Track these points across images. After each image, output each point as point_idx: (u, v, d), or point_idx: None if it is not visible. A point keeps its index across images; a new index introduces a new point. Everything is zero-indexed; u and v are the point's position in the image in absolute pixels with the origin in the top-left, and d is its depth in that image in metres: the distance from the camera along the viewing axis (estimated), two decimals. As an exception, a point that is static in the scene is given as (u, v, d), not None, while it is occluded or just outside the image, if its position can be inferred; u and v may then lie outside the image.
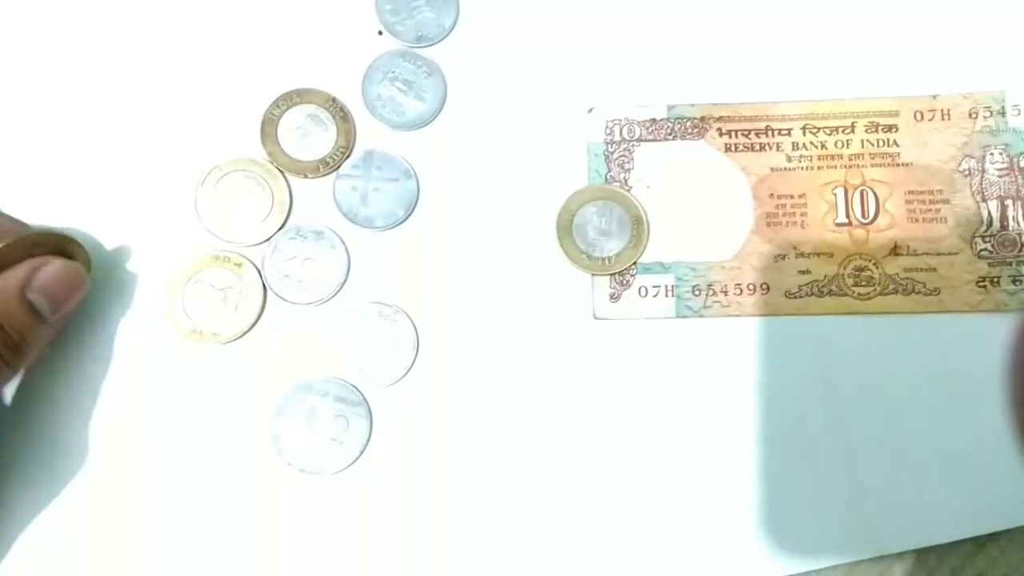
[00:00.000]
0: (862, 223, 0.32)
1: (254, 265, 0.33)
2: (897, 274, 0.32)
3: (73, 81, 0.34)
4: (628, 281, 0.32)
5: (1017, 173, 0.32)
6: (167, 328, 0.32)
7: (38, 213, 0.32)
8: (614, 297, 0.32)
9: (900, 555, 0.31)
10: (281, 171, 0.33)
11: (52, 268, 0.29)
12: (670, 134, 0.33)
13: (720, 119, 0.33)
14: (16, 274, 0.29)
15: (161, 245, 0.33)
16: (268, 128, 0.33)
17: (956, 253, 0.32)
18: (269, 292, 0.33)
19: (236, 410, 0.32)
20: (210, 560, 0.31)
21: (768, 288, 0.32)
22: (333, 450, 0.31)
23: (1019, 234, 0.32)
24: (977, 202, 0.32)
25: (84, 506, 0.31)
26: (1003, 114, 0.32)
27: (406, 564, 0.31)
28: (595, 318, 0.32)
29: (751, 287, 0.32)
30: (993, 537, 0.30)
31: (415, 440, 0.32)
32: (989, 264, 0.32)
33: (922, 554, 0.31)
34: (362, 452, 0.31)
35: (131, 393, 0.32)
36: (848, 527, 0.30)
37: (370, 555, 0.31)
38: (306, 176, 0.33)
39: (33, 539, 0.31)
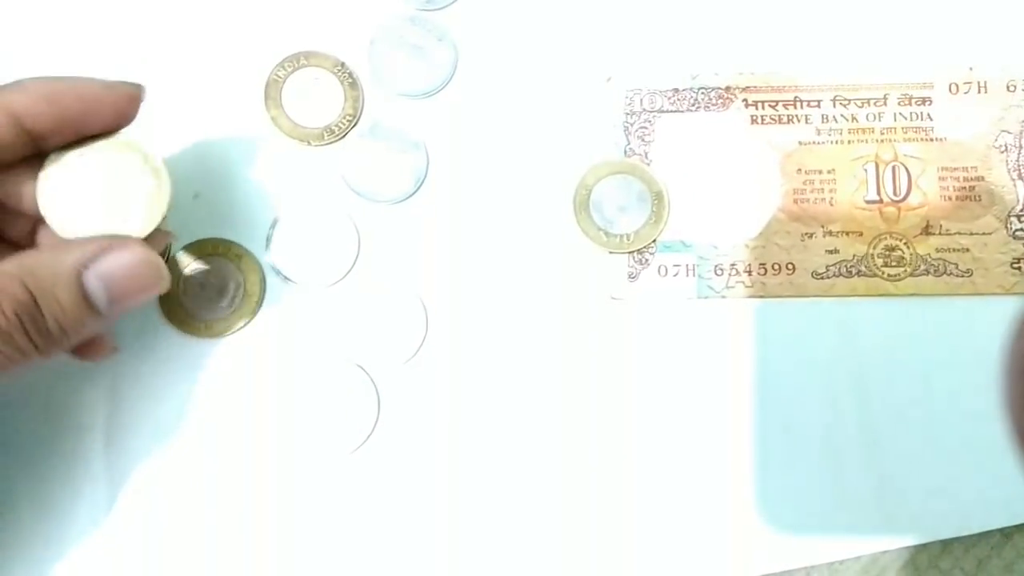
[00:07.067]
0: (893, 200, 0.31)
1: (251, 253, 0.31)
2: (929, 254, 0.31)
3: (80, 37, 0.32)
4: (647, 259, 0.31)
5: (1056, 150, 0.31)
6: (161, 321, 0.31)
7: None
8: (632, 276, 0.31)
9: (925, 545, 0.30)
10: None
11: (125, 255, 0.24)
12: (693, 105, 0.32)
13: (746, 89, 0.31)
14: (76, 252, 0.23)
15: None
16: (272, 91, 0.32)
17: (990, 233, 0.31)
18: (273, 271, 0.31)
19: (243, 391, 0.31)
20: (218, 543, 0.30)
21: (794, 268, 0.31)
22: (341, 431, 0.30)
23: (1056, 214, 0.31)
24: (1013, 180, 0.31)
25: (95, 492, 0.30)
26: (1043, 87, 0.31)
27: (415, 545, 0.30)
28: (612, 298, 0.31)
29: (776, 267, 0.31)
30: (1021, 528, 0.30)
31: (424, 422, 0.30)
32: (1025, 245, 0.30)
33: (948, 544, 0.30)
34: (370, 434, 0.30)
35: (135, 387, 0.31)
36: (873, 516, 0.30)
37: (379, 537, 0.30)
38: (310, 143, 0.32)
39: (42, 520, 0.30)
